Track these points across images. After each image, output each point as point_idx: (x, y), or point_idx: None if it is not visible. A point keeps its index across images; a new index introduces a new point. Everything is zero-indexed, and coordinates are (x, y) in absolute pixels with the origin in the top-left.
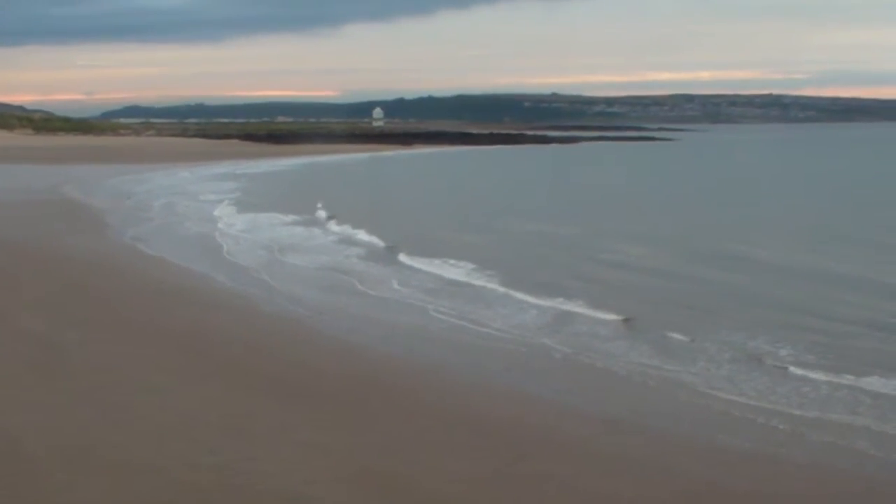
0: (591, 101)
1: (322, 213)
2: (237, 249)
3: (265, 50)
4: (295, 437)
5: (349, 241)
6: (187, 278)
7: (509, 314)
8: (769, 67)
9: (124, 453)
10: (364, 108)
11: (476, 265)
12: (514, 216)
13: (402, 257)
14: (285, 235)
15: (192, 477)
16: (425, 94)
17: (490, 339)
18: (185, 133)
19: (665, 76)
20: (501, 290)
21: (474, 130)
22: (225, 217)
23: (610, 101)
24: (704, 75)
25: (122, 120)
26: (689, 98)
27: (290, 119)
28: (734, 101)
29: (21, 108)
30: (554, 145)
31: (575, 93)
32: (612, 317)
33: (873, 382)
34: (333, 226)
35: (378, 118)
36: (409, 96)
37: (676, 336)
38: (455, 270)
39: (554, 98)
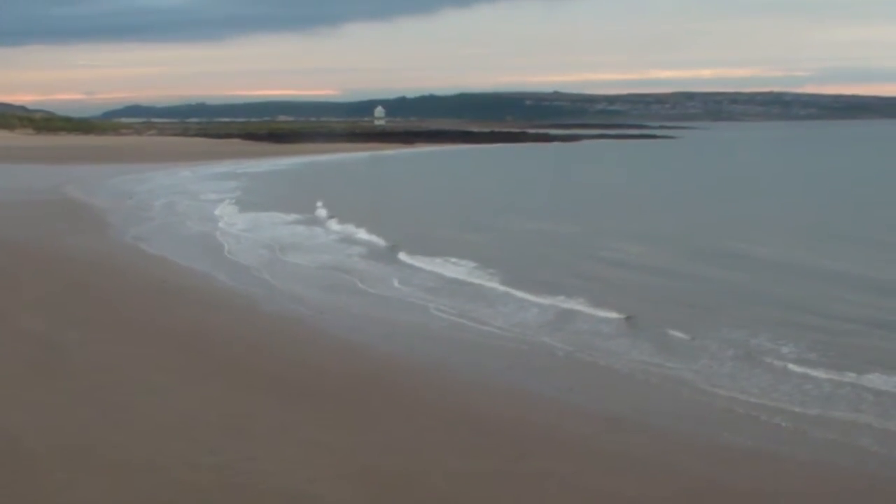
0: (593, 100)
1: (323, 212)
2: (238, 249)
3: (266, 49)
4: (296, 436)
5: (350, 240)
6: (188, 278)
7: (510, 312)
8: (770, 65)
9: (124, 453)
10: (365, 107)
11: (477, 263)
12: (515, 214)
13: (403, 256)
14: (286, 234)
15: (193, 476)
16: (427, 93)
17: (491, 337)
18: (186, 132)
19: (666, 74)
20: (502, 288)
21: (476, 129)
22: (226, 216)
23: (611, 100)
24: (706, 73)
25: (124, 120)
26: (691, 96)
27: (291, 118)
28: (735, 98)
29: (23, 108)
30: (555, 144)
31: (577, 91)
32: (613, 315)
33: (875, 380)
34: (334, 225)
35: (379, 117)
36: (410, 95)
37: (678, 334)
38: (456, 269)
39: (556, 96)
